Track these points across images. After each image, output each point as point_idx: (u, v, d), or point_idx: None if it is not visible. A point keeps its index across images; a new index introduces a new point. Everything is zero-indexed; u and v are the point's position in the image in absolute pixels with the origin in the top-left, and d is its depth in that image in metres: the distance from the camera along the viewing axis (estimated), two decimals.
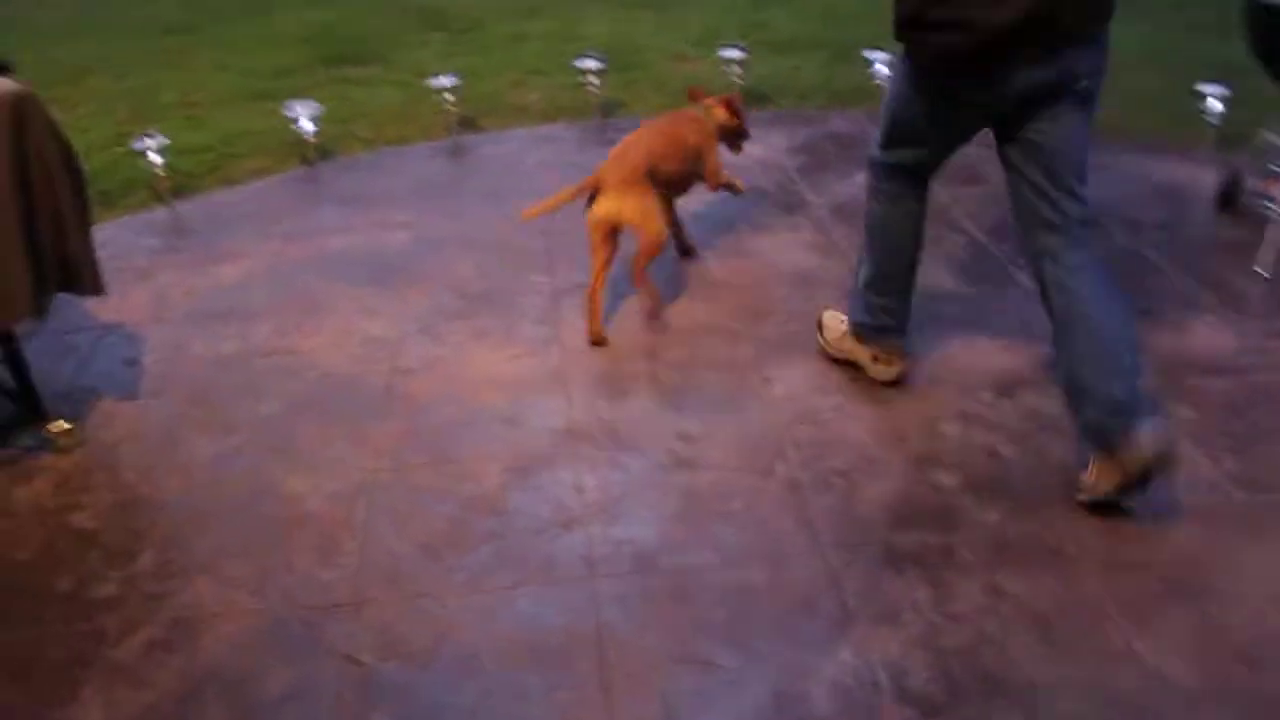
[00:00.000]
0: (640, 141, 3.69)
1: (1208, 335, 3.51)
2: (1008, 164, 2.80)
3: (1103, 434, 2.63)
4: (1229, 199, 4.37)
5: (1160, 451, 2.57)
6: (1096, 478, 2.69)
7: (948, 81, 2.71)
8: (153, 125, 5.89)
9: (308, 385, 3.44)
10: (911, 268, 3.16)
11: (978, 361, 3.41)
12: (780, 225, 4.37)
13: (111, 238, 4.57)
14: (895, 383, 3.30)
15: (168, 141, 4.90)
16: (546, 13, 8.03)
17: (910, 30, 2.63)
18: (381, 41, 7.46)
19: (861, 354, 3.33)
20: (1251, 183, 4.26)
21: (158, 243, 4.57)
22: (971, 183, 4.68)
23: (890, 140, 2.98)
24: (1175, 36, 6.99)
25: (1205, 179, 4.65)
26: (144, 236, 4.64)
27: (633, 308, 3.77)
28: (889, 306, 3.20)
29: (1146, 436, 2.56)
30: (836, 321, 3.42)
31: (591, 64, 5.47)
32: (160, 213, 4.87)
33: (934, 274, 3.91)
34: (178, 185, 5.04)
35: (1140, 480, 2.60)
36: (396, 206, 4.71)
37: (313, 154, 5.24)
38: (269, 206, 4.84)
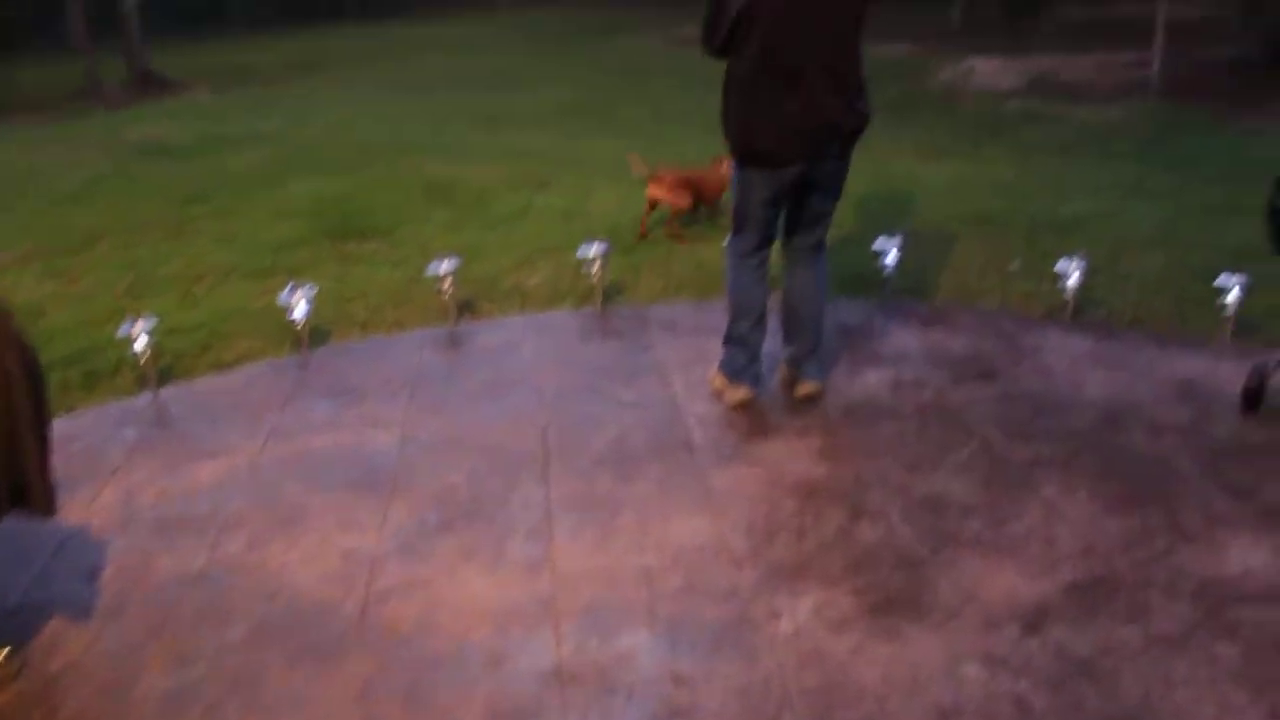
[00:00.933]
0: (687, 170, 6.57)
1: (1245, 556, 3.25)
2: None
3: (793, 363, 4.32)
4: (1255, 399, 4.16)
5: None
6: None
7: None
8: (149, 300, 5.81)
9: (277, 609, 3.17)
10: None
11: (999, 589, 3.13)
12: (787, 428, 4.14)
13: (89, 428, 4.38)
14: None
15: (156, 322, 4.74)
16: (555, 186, 8.00)
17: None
18: (387, 215, 7.40)
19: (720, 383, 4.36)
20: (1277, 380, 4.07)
21: (135, 434, 4.35)
22: (986, 379, 4.47)
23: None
24: (1187, 218, 6.88)
25: (1226, 374, 4.45)
26: (122, 427, 4.43)
27: (630, 525, 3.52)
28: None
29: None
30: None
31: (593, 251, 5.32)
32: (143, 398, 4.68)
33: (946, 484, 3.67)
34: (165, 366, 4.88)
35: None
36: (387, 401, 4.51)
37: (305, 340, 5.07)
38: (255, 397, 4.64)
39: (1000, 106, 12.46)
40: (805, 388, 4.32)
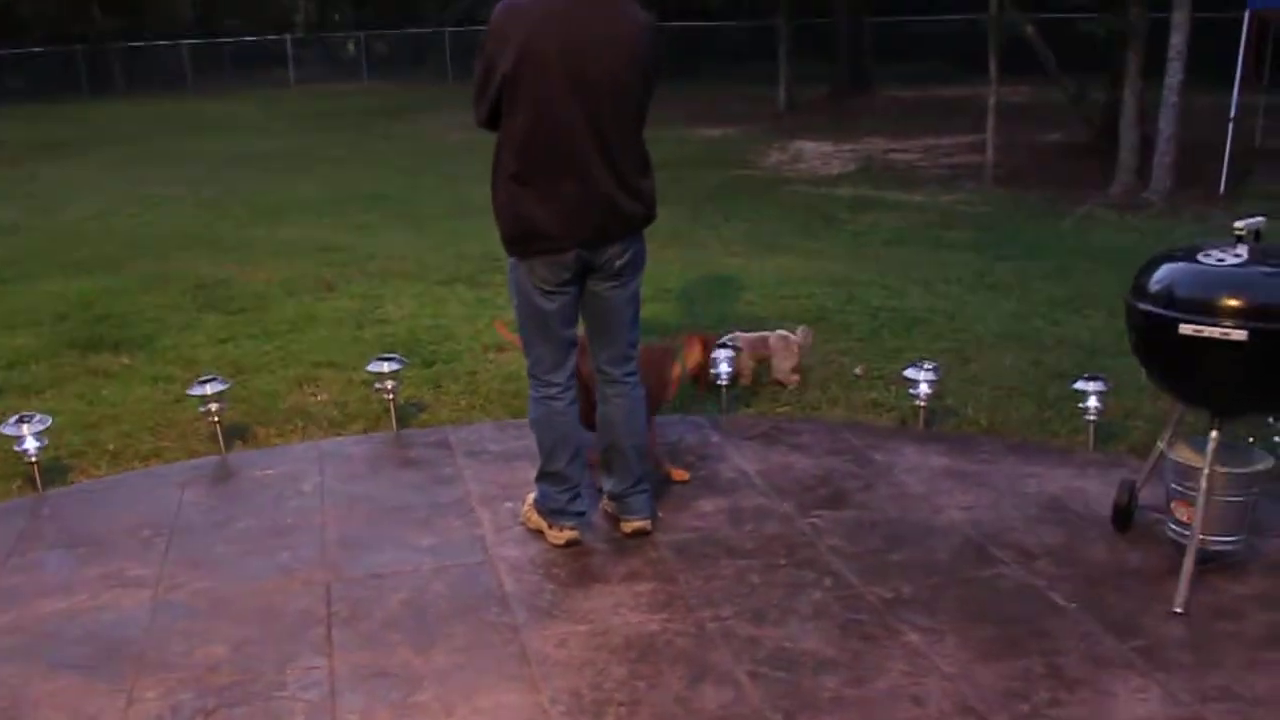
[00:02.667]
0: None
1: (1132, 702, 3.13)
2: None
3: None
4: (1126, 517, 4.14)
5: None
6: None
7: None
8: None
9: None
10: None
11: None
12: (614, 573, 3.88)
13: None
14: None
15: None
16: (343, 289, 7.68)
17: None
18: (148, 323, 6.96)
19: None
20: (1149, 497, 4.06)
21: None
22: (836, 505, 4.33)
23: None
24: (1034, 314, 7.03)
25: (1094, 489, 4.44)
26: None
27: (430, 703, 3.19)
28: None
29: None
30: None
31: (386, 366, 5.03)
32: None
33: (798, 634, 3.47)
34: None
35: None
36: (137, 554, 4.07)
37: (38, 478, 4.60)
38: None
39: (830, 192, 12.74)
40: (631, 524, 4.11)
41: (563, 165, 3.67)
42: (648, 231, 3.91)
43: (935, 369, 5.05)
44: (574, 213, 3.70)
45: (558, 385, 3.95)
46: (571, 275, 3.80)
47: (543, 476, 4.05)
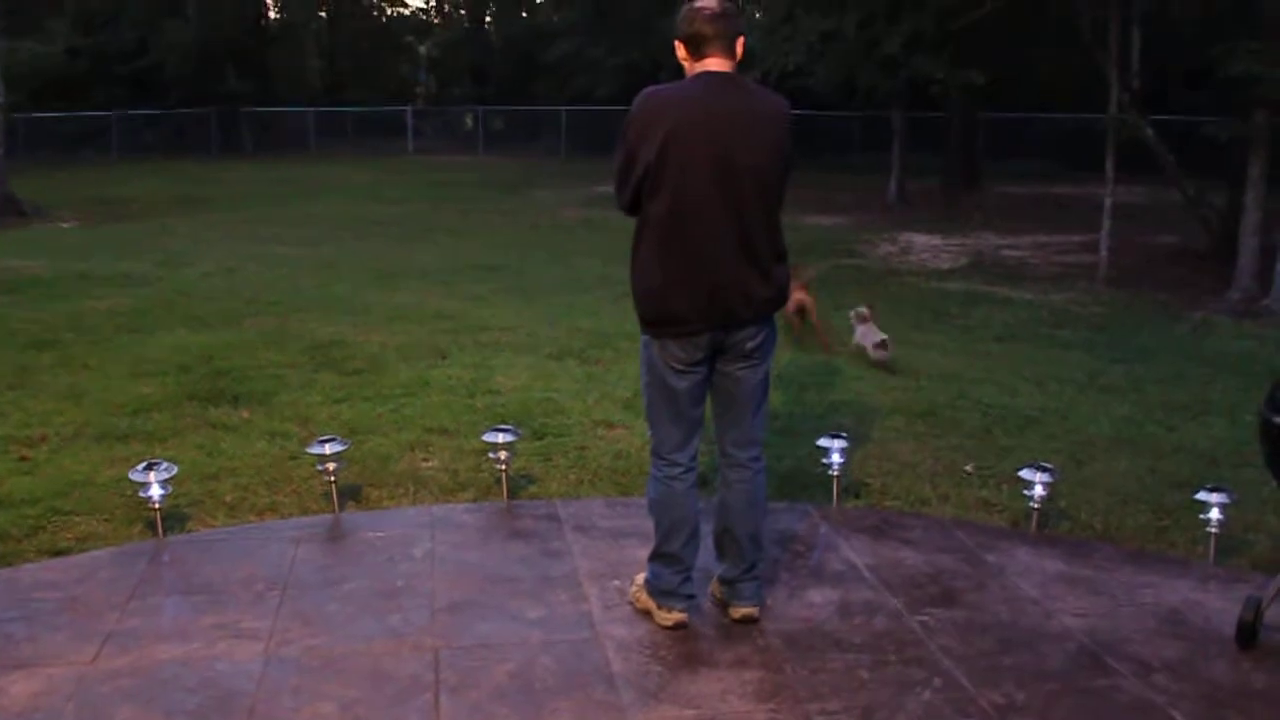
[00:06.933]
0: None
1: None
2: None
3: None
4: (1250, 634, 3.98)
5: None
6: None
7: None
8: None
9: None
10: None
11: None
12: (721, 659, 3.83)
13: None
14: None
15: None
16: (456, 356, 7.75)
17: None
18: (266, 379, 7.08)
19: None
20: (1275, 616, 3.91)
21: None
22: (946, 603, 4.23)
23: None
24: (1150, 418, 6.86)
25: (1215, 603, 4.28)
26: None
27: None
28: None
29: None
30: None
31: (501, 438, 5.04)
32: None
33: None
34: None
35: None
36: (252, 606, 4.12)
37: (159, 525, 4.68)
38: (93, 592, 4.23)
39: (940, 286, 12.63)
40: (741, 610, 4.05)
41: (703, 250, 3.71)
42: None
43: (1051, 471, 4.93)
44: (711, 297, 3.72)
45: (680, 466, 3.93)
46: (704, 355, 3.81)
47: (656, 557, 4.01)
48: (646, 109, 3.71)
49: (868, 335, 7.82)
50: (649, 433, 4.03)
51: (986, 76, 16.97)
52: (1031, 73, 22.92)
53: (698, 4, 3.72)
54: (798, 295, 7.09)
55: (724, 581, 4.10)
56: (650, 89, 3.78)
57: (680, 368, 3.82)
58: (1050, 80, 23.14)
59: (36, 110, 25.70)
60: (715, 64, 3.73)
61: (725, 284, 3.74)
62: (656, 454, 3.98)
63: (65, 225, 16.91)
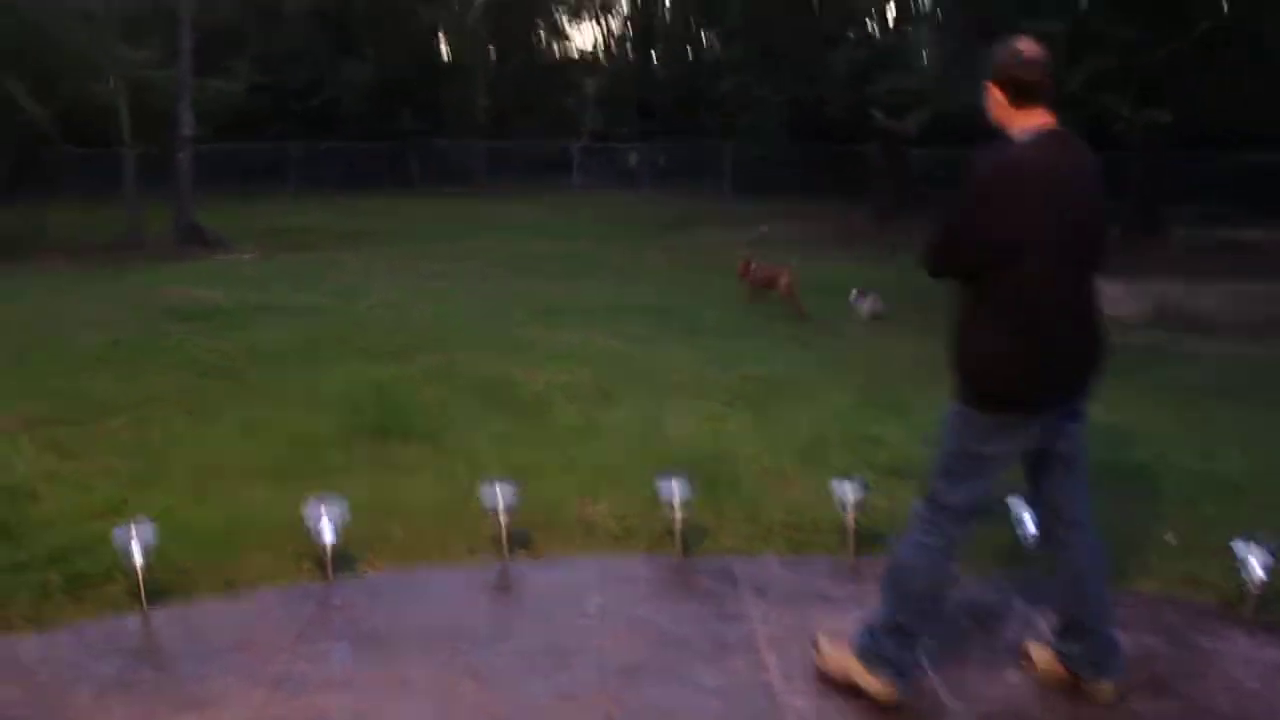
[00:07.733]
0: None
1: None
2: None
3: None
4: None
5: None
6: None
7: None
8: (157, 492, 5.51)
9: None
10: None
11: None
12: None
13: (62, 653, 4.01)
14: None
15: (155, 532, 4.38)
16: (623, 399, 7.62)
17: None
18: (434, 416, 7.06)
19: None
20: None
21: (115, 668, 3.94)
22: (1158, 691, 3.89)
23: None
24: None
25: None
26: (103, 656, 4.03)
27: None
28: None
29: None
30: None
31: (675, 490, 4.86)
32: (133, 619, 4.29)
33: None
34: (165, 582, 4.51)
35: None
36: (420, 657, 4.02)
37: (329, 566, 4.64)
38: (264, 632, 4.20)
39: (1124, 339, 12.06)
40: (1105, 689, 3.84)
41: (1059, 322, 3.54)
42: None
43: (1271, 549, 4.52)
44: (1065, 369, 3.61)
45: (952, 538, 3.71)
46: (1036, 438, 3.66)
47: (891, 627, 3.74)
48: (1003, 186, 3.47)
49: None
50: (936, 494, 3.72)
51: (1173, 115, 16.29)
52: (1221, 108, 21.93)
53: (1026, 51, 3.51)
54: (784, 277, 12.11)
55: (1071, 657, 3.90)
56: (1004, 151, 3.51)
57: (1004, 448, 3.65)
58: (1241, 115, 22.14)
59: (218, 142, 26.73)
60: (1044, 116, 3.52)
61: (1081, 354, 3.64)
62: (933, 521, 3.70)
63: (246, 257, 17.44)
